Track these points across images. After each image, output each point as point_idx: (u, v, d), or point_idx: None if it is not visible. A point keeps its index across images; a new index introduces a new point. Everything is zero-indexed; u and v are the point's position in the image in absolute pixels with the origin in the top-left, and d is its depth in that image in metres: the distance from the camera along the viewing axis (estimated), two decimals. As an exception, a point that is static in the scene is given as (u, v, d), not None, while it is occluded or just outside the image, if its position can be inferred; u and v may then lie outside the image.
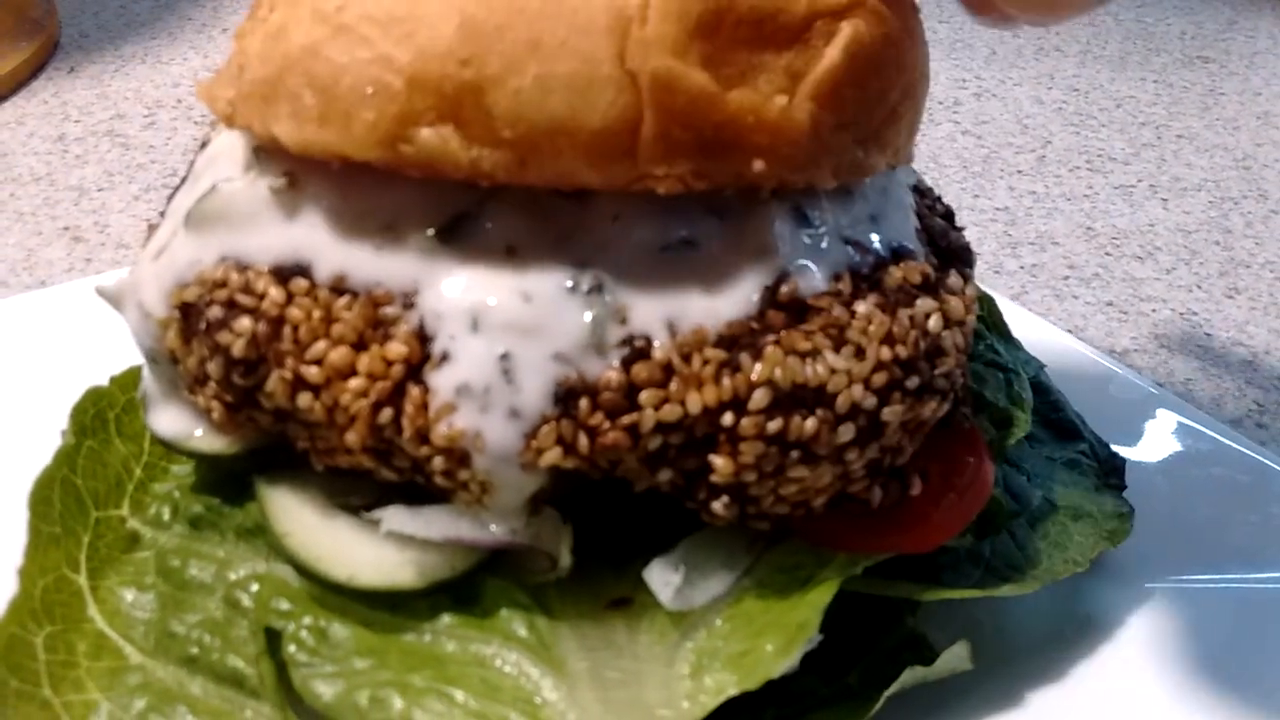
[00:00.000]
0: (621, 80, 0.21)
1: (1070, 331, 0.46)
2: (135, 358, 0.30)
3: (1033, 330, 0.39)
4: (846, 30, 0.23)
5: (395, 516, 0.24)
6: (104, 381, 0.31)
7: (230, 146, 0.28)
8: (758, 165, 0.22)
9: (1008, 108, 0.67)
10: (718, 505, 0.24)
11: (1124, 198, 0.58)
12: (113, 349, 0.31)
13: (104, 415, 0.30)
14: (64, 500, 0.27)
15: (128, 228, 0.52)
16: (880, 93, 0.24)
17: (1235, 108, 0.69)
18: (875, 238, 0.25)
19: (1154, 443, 0.36)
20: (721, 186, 0.22)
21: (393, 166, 0.22)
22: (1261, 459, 0.35)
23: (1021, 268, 0.52)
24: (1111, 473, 0.32)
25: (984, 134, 0.63)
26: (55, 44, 0.69)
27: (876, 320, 0.23)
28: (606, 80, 0.21)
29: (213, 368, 0.24)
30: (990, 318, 0.36)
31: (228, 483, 0.27)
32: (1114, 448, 0.34)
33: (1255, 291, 0.51)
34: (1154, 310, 0.49)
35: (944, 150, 0.61)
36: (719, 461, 0.23)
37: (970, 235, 0.53)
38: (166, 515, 0.28)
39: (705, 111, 0.21)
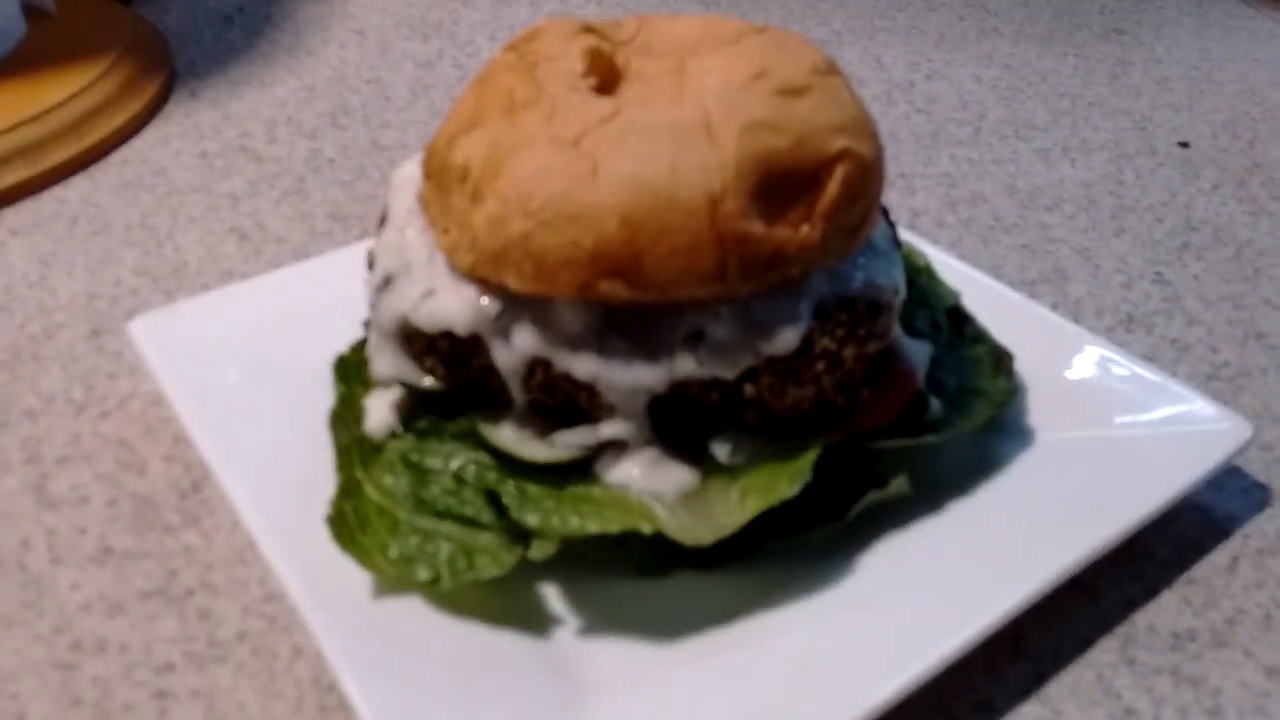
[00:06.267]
0: (715, 241, 0.35)
1: (992, 269, 0.62)
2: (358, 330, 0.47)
3: (957, 270, 0.54)
4: (839, 172, 0.37)
5: (567, 435, 0.40)
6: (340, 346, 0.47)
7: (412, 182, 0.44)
8: (794, 270, 0.37)
9: (952, 87, 0.82)
10: (747, 413, 0.39)
11: (1042, 160, 0.73)
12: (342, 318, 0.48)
13: (349, 371, 0.46)
14: (342, 425, 0.44)
15: (280, 225, 0.65)
16: (862, 200, 0.38)
17: (1139, 75, 0.85)
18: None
19: (1043, 348, 0.50)
20: (775, 285, 0.37)
21: (582, 300, 0.37)
22: (1119, 356, 0.50)
23: (958, 221, 0.67)
24: (1003, 361, 0.47)
25: (933, 111, 0.79)
26: (174, 73, 0.83)
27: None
28: (708, 244, 0.35)
29: (442, 344, 0.41)
30: (916, 261, 0.52)
31: (441, 404, 0.43)
32: (1008, 349, 0.48)
33: (1137, 230, 0.67)
34: (1057, 249, 0.65)
35: (900, 128, 0.77)
36: (747, 387, 0.39)
37: (919, 196, 0.70)
38: (399, 429, 0.44)
39: (763, 248, 0.36)
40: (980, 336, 0.49)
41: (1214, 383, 0.55)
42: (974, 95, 0.81)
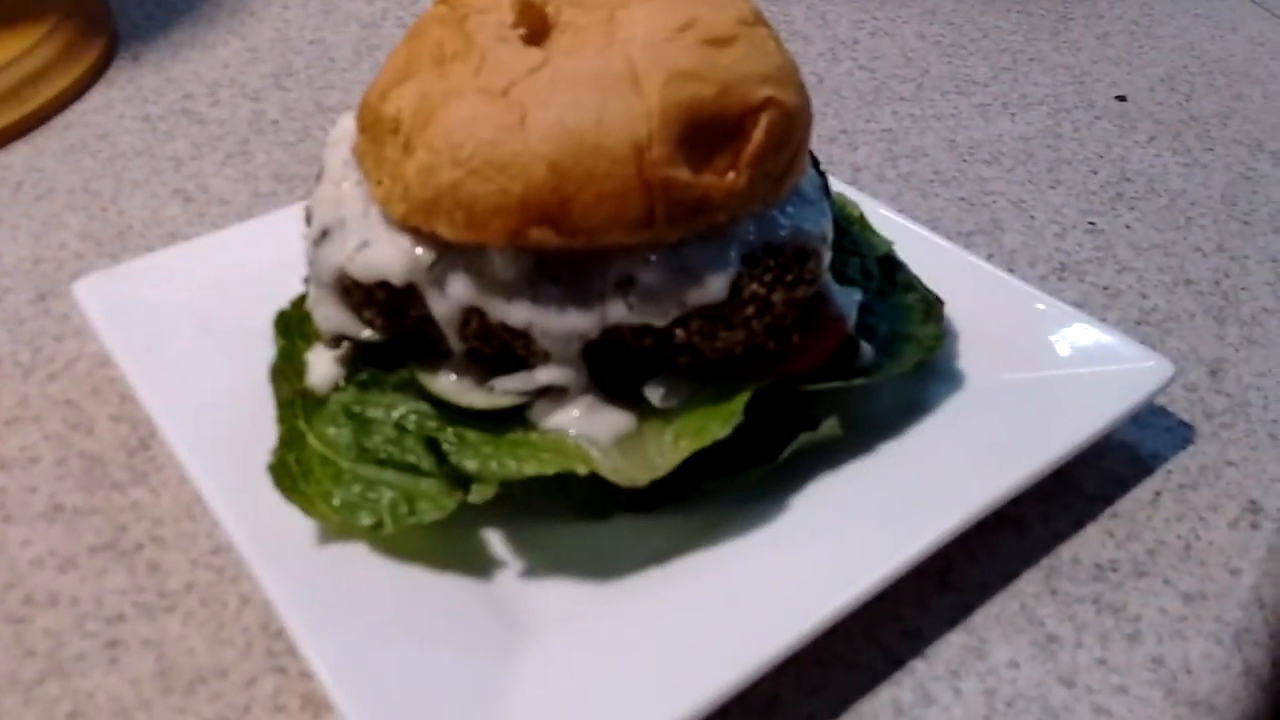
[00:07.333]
0: (642, 188, 0.36)
1: (929, 222, 0.63)
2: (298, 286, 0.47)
3: (895, 223, 0.56)
4: (764, 120, 0.38)
5: (504, 381, 0.41)
6: (283, 304, 0.48)
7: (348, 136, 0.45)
8: (722, 217, 0.38)
9: (896, 44, 0.83)
10: (679, 357, 0.40)
11: (981, 115, 0.75)
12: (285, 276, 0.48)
13: (290, 325, 0.47)
14: (284, 379, 0.44)
15: (224, 187, 0.65)
16: (788, 148, 0.39)
17: (1080, 30, 0.86)
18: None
19: (975, 296, 0.52)
20: (703, 231, 0.37)
21: (514, 247, 0.38)
22: (1047, 302, 0.52)
23: (899, 175, 0.69)
24: (933, 308, 0.49)
25: (876, 68, 0.80)
26: (116, 36, 0.83)
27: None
28: (634, 190, 0.36)
29: (379, 295, 0.41)
30: (849, 212, 0.53)
31: (382, 356, 0.44)
32: (940, 296, 0.49)
33: (1072, 182, 0.69)
34: (994, 201, 0.66)
35: (843, 84, 0.77)
36: (679, 332, 0.40)
37: (861, 152, 0.71)
38: (342, 382, 0.45)
39: (690, 194, 0.37)
40: (912, 284, 0.50)
41: (1142, 327, 0.57)
42: (917, 52, 0.82)
